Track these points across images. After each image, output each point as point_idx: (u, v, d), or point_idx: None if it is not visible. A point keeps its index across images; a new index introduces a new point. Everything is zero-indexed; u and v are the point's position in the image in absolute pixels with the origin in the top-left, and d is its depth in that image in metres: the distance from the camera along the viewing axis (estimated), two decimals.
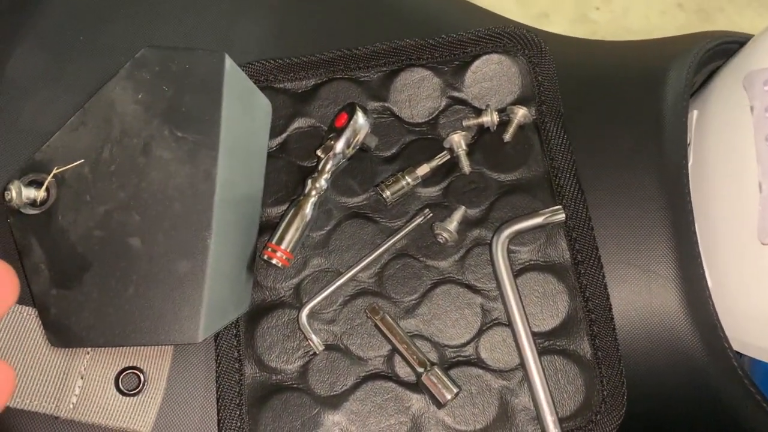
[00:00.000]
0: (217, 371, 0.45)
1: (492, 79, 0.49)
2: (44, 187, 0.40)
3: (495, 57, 0.50)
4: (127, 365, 0.44)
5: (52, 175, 0.41)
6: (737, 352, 0.44)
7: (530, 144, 0.48)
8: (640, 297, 0.44)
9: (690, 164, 0.47)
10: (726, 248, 0.43)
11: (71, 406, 0.43)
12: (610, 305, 0.44)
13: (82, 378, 0.43)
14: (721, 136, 0.45)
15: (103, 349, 0.43)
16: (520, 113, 0.48)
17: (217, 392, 0.45)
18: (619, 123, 0.48)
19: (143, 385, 0.44)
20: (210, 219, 0.39)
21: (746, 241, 0.41)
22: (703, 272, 0.43)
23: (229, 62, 0.42)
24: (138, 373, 0.44)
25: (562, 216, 0.45)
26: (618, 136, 0.47)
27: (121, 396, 0.43)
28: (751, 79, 0.43)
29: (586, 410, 0.44)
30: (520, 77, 0.49)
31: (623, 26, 1.36)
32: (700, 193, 0.45)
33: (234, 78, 0.42)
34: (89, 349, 0.43)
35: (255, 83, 0.48)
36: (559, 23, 1.35)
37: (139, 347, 0.44)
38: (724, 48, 0.50)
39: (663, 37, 0.56)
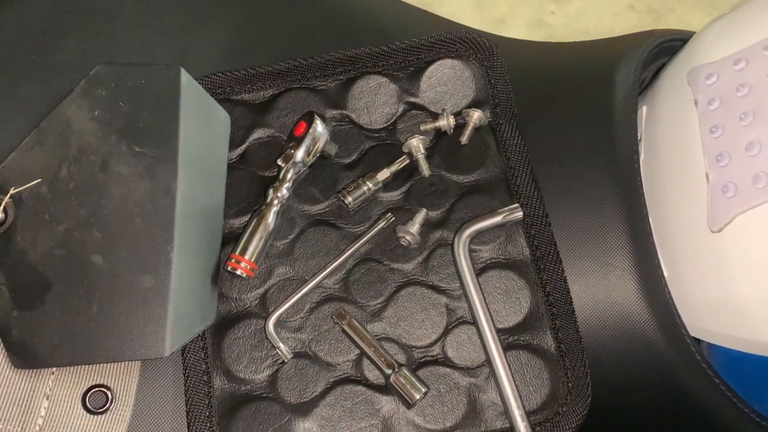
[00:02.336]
0: (185, 384, 0.45)
1: (446, 83, 0.50)
2: (1, 208, 0.40)
3: (448, 62, 0.51)
4: (93, 383, 0.43)
5: (9, 195, 0.40)
6: (695, 338, 0.45)
7: (486, 145, 0.49)
8: (599, 289, 0.45)
9: (642, 159, 0.48)
10: (679, 238, 0.45)
11: (37, 428, 0.42)
12: (571, 298, 0.45)
13: (47, 398, 0.42)
14: (669, 130, 0.47)
15: (68, 368, 0.43)
16: (476, 116, 0.49)
17: (186, 405, 0.45)
18: (572, 121, 0.49)
19: (111, 402, 0.43)
20: (171, 233, 0.39)
21: (697, 230, 0.43)
22: (659, 262, 0.45)
23: (185, 76, 0.42)
24: (105, 390, 0.43)
25: (519, 214, 0.46)
26: (571, 134, 0.49)
27: (88, 415, 0.43)
28: (694, 74, 0.45)
29: (553, 402, 0.45)
30: (474, 81, 0.50)
31: (578, 29, 1.38)
32: (652, 185, 0.47)
33: (191, 92, 0.42)
34: (54, 368, 0.43)
35: (212, 96, 0.48)
36: (516, 28, 1.38)
37: (105, 364, 0.44)
38: (670, 45, 0.52)
39: (612, 37, 0.57)
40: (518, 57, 0.53)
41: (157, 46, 0.51)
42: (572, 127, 0.49)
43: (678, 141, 0.46)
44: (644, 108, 0.50)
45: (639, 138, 0.49)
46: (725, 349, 0.45)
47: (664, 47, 0.52)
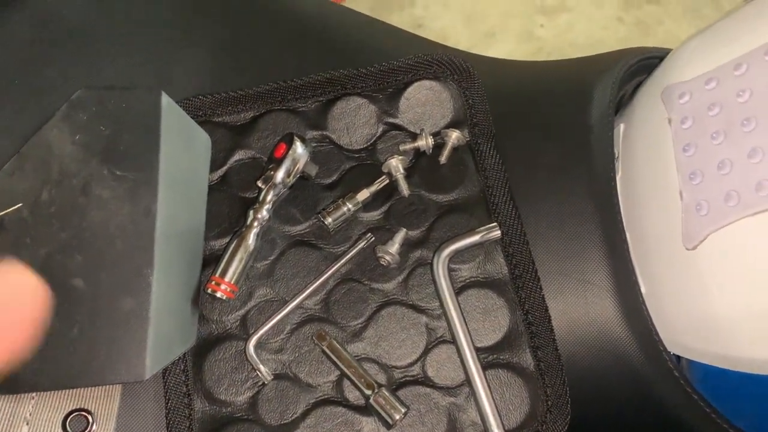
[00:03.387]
0: (166, 407, 0.45)
1: (425, 104, 0.51)
2: None
3: (426, 83, 0.51)
4: (74, 407, 0.43)
5: None
6: (674, 355, 0.45)
7: (465, 165, 0.50)
8: (577, 307, 0.46)
9: (619, 176, 0.49)
10: (655, 255, 0.45)
11: None
12: (549, 317, 0.46)
13: (27, 424, 0.43)
14: (645, 148, 0.47)
15: (48, 392, 0.43)
16: (454, 136, 0.49)
17: (167, 428, 0.45)
18: (550, 140, 0.50)
19: (92, 426, 0.43)
20: (151, 256, 0.40)
21: (673, 247, 0.43)
22: (636, 279, 0.45)
23: (165, 99, 0.42)
24: (86, 414, 0.43)
25: (497, 233, 0.47)
26: (549, 153, 0.49)
27: None
28: (668, 93, 0.46)
29: (532, 421, 0.45)
30: (452, 101, 0.51)
31: (567, 41, 1.40)
32: (629, 203, 0.47)
33: (171, 114, 0.43)
34: (33, 393, 0.43)
35: (193, 118, 0.49)
36: (506, 42, 1.39)
37: (86, 388, 0.44)
38: (646, 63, 0.53)
39: (590, 55, 0.58)
40: (496, 76, 0.54)
41: (138, 69, 0.52)
42: (550, 145, 0.49)
43: (653, 159, 0.46)
44: (621, 126, 0.51)
45: (616, 156, 0.49)
46: (703, 365, 0.45)
47: (642, 65, 0.53)
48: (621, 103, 0.54)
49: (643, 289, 0.45)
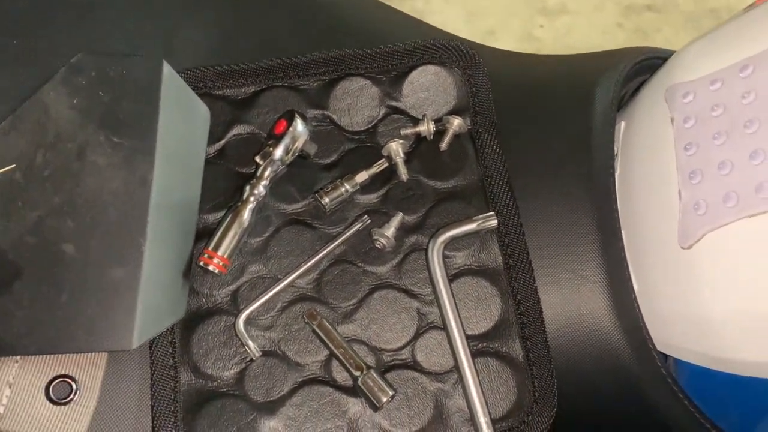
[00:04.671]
0: (152, 378, 0.45)
1: (428, 89, 0.51)
2: None
3: (431, 68, 0.51)
4: (58, 373, 0.43)
5: None
6: (662, 353, 0.46)
7: (465, 153, 0.50)
8: (569, 300, 0.46)
9: (617, 173, 0.49)
10: (650, 253, 0.45)
11: None
12: (541, 308, 0.46)
13: (10, 387, 0.42)
14: (646, 146, 0.48)
15: (33, 357, 0.43)
16: (456, 123, 0.49)
17: (151, 399, 0.44)
18: (551, 133, 0.50)
19: (75, 393, 0.43)
20: (145, 225, 0.39)
21: (668, 245, 0.43)
22: (629, 276, 0.45)
23: (167, 69, 0.42)
24: (70, 381, 0.43)
25: (494, 222, 0.47)
26: (549, 146, 0.49)
27: (51, 405, 0.42)
28: (671, 92, 0.46)
29: (519, 410, 0.45)
30: (456, 88, 0.51)
31: (566, 44, 1.40)
32: (626, 200, 0.47)
33: (172, 84, 0.42)
34: (18, 357, 0.42)
35: (194, 90, 0.48)
36: (506, 41, 1.39)
37: (71, 355, 0.43)
38: (650, 63, 0.53)
39: (594, 52, 0.58)
40: (501, 67, 0.54)
41: (140, 37, 0.51)
42: (551, 139, 0.50)
43: (653, 157, 0.46)
44: (622, 123, 0.51)
45: (615, 153, 0.49)
46: (691, 365, 0.46)
47: (645, 65, 0.53)
48: (622, 101, 0.55)
49: (635, 286, 0.45)
